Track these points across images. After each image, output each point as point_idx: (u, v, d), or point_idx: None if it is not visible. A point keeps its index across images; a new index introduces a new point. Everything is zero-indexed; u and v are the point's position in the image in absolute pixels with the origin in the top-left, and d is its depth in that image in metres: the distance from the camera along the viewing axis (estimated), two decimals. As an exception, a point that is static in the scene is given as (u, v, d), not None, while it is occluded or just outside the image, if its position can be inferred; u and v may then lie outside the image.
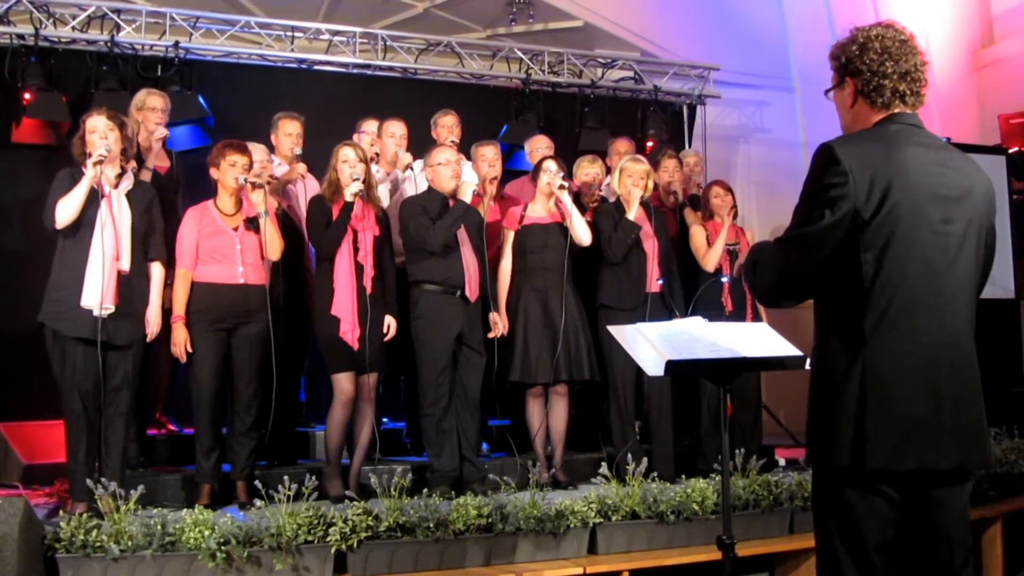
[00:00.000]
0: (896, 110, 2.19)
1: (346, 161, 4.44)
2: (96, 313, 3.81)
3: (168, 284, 4.28)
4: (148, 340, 4.10)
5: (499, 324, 4.69)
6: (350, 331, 4.31)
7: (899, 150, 2.11)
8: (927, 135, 2.19)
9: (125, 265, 3.93)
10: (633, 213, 4.91)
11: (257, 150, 4.71)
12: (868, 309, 2.08)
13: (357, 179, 4.36)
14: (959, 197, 2.13)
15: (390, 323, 4.50)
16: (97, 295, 3.80)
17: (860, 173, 2.06)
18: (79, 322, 3.82)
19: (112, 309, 3.85)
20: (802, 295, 2.22)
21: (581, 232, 4.81)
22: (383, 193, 5.07)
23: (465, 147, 5.23)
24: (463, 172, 4.71)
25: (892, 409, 2.05)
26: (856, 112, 2.24)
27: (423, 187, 4.99)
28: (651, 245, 4.98)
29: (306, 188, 5.07)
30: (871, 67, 2.17)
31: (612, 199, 5.42)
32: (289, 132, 5.11)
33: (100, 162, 3.85)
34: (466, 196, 4.52)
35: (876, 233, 2.07)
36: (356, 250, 4.39)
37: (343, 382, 4.36)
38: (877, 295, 2.07)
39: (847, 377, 2.08)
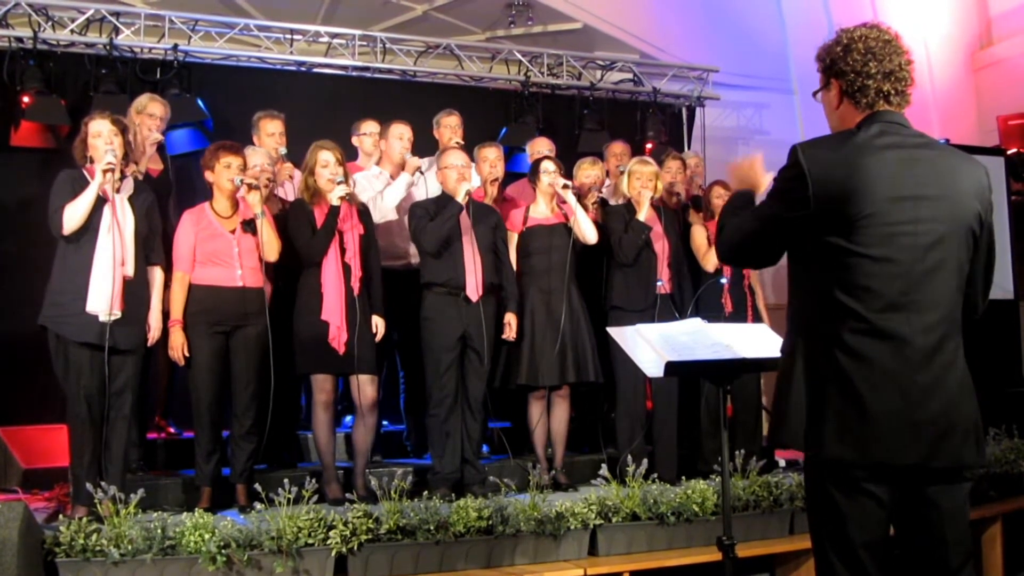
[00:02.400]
0: (880, 109, 2.19)
1: (326, 165, 4.42)
2: (103, 319, 3.80)
3: (168, 287, 4.28)
4: (149, 344, 4.10)
5: (512, 325, 4.69)
6: (338, 336, 4.31)
7: (867, 152, 2.12)
8: (908, 133, 2.18)
9: (130, 270, 3.92)
10: (643, 214, 4.92)
11: (257, 154, 4.69)
12: (834, 309, 2.10)
13: (342, 182, 4.36)
14: (932, 196, 2.12)
15: (378, 324, 4.50)
16: (105, 301, 3.80)
17: (819, 175, 2.09)
18: (83, 327, 3.81)
19: (119, 315, 3.84)
20: (759, 264, 2.41)
21: (587, 230, 4.81)
22: (395, 194, 5.04)
23: (466, 149, 5.22)
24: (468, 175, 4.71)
25: (857, 406, 2.06)
26: (841, 113, 2.25)
27: (432, 186, 5.00)
28: (661, 246, 5.00)
29: (295, 187, 5.03)
30: (855, 67, 2.18)
31: (612, 201, 5.43)
32: (272, 132, 5.06)
33: (110, 170, 3.84)
34: (459, 196, 4.53)
35: (838, 235, 2.09)
36: (343, 251, 4.39)
37: (322, 383, 4.37)
38: (842, 295, 2.09)
39: (814, 374, 2.11)
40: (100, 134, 3.92)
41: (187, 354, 4.19)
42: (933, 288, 2.11)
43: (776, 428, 2.20)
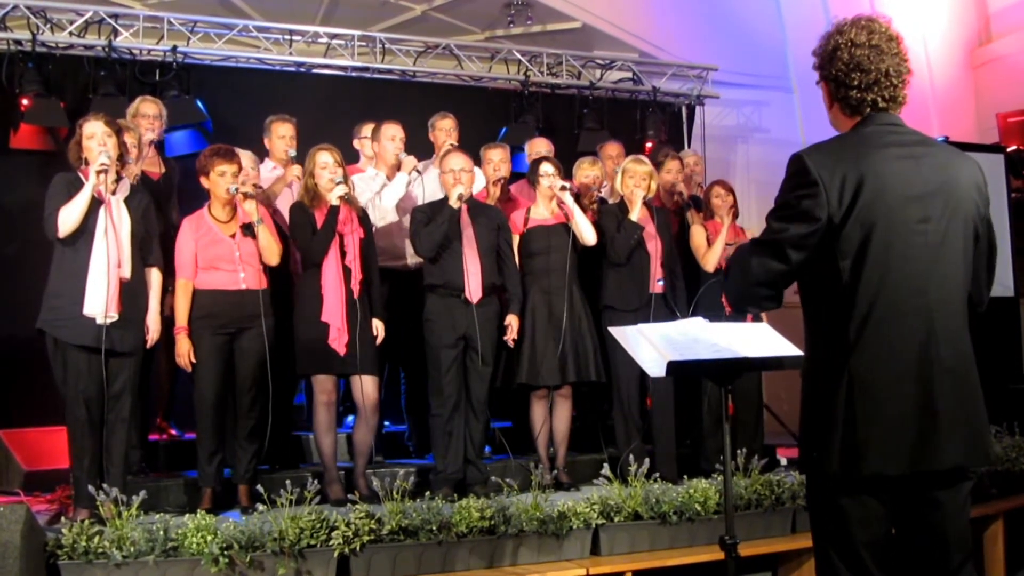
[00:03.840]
0: (869, 112, 2.17)
1: (325, 167, 4.43)
2: (100, 321, 3.80)
3: (169, 291, 4.28)
4: (148, 347, 4.10)
5: (513, 327, 4.69)
6: (339, 337, 4.31)
7: (870, 153, 2.10)
8: (904, 132, 2.17)
9: (126, 272, 3.92)
10: (636, 214, 4.92)
11: (243, 157, 4.68)
12: (850, 315, 2.07)
13: (340, 183, 4.36)
14: (936, 192, 2.11)
15: (378, 327, 4.51)
16: (101, 303, 3.79)
17: (830, 180, 2.06)
18: (81, 329, 3.81)
19: (116, 317, 3.84)
20: (772, 300, 2.21)
21: (586, 231, 4.81)
22: (394, 194, 5.04)
23: (464, 150, 5.21)
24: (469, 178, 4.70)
25: (880, 415, 2.04)
26: (834, 113, 2.25)
27: (429, 188, 5.00)
28: (654, 245, 4.99)
29: (301, 190, 5.04)
30: (837, 77, 2.17)
31: (610, 202, 5.42)
32: (282, 135, 5.08)
33: (103, 171, 3.83)
34: (452, 200, 4.53)
35: (850, 239, 2.06)
36: (343, 254, 4.40)
37: (324, 384, 4.38)
38: (858, 300, 2.07)
39: (835, 384, 2.08)
40: (93, 135, 3.91)
41: (194, 360, 4.19)
42: (945, 286, 2.10)
43: (818, 450, 2.10)
